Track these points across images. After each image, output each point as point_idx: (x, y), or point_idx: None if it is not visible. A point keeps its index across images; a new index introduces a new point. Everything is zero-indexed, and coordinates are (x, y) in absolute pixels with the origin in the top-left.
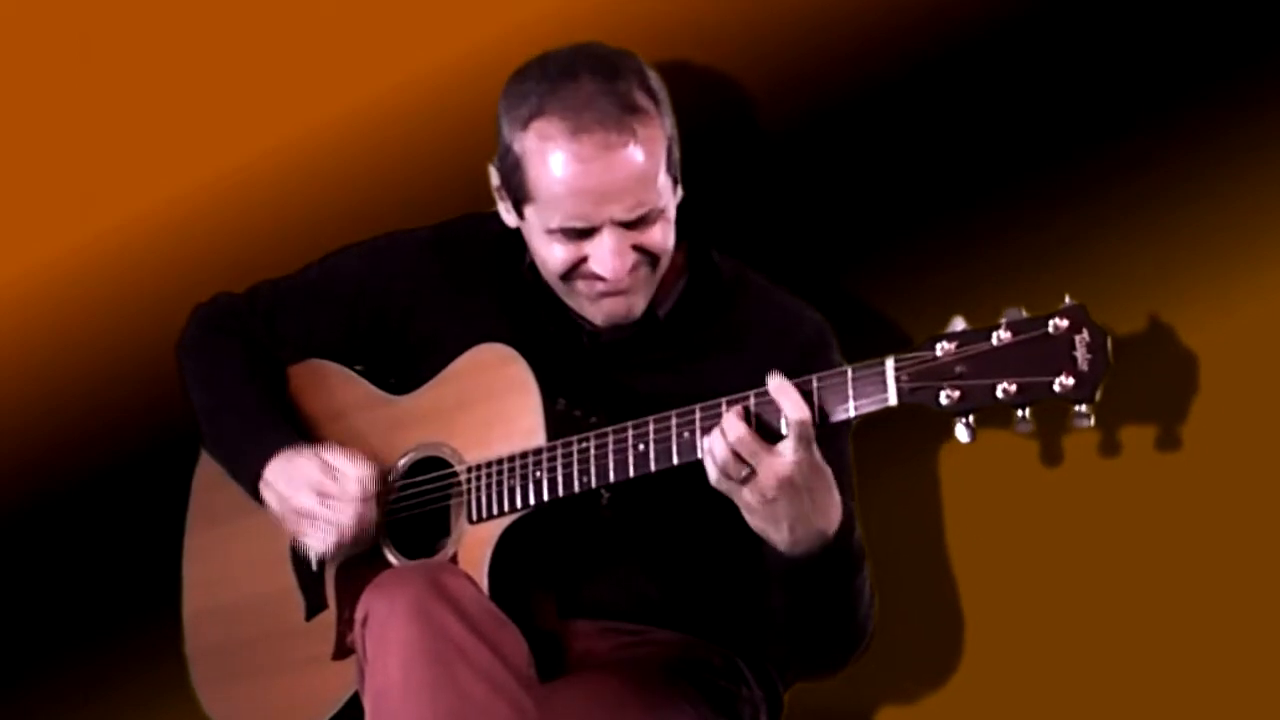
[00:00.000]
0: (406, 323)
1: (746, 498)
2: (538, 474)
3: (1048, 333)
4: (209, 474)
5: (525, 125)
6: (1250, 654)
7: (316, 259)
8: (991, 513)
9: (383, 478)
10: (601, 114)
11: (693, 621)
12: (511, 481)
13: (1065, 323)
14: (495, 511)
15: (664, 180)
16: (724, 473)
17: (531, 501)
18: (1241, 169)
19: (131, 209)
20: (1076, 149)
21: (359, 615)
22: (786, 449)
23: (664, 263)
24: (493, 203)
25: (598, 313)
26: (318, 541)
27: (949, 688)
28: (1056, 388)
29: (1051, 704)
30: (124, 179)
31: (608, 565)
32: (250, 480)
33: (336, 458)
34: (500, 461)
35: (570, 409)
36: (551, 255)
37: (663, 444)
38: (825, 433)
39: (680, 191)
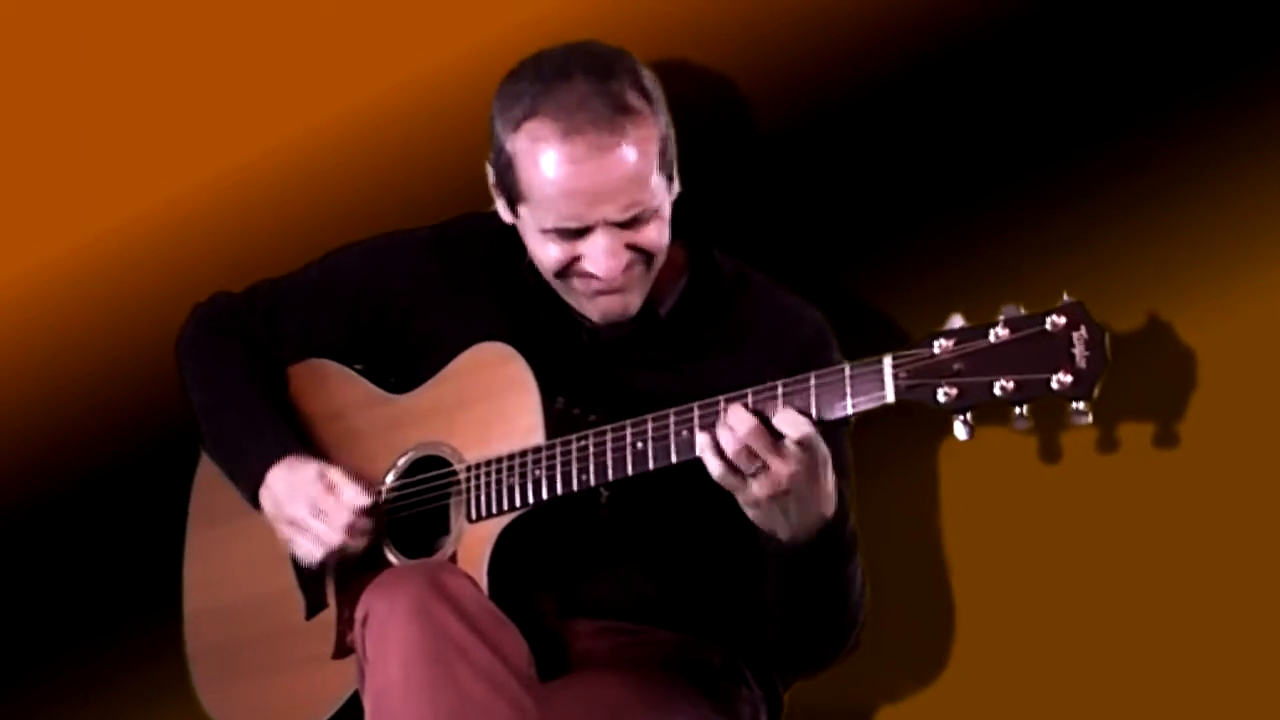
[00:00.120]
0: (406, 322)
1: (754, 493)
2: (537, 473)
3: (1045, 330)
4: (210, 473)
5: (518, 126)
6: (1248, 652)
7: (316, 258)
8: (990, 510)
9: (378, 497)
10: (593, 115)
11: (692, 621)
12: (511, 480)
13: (1063, 320)
14: (494, 510)
15: (658, 179)
16: (730, 468)
17: (530, 500)
18: (1241, 169)
19: (131, 209)
20: (1076, 149)
21: (359, 615)
22: (792, 453)
23: (659, 260)
24: (492, 201)
25: (594, 310)
26: (304, 552)
27: (948, 686)
28: (1054, 385)
29: (1051, 701)
30: (124, 179)
31: (607, 564)
32: (250, 484)
33: (338, 475)
34: (499, 460)
35: (569, 407)
36: (546, 254)
37: (661, 442)
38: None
39: (677, 188)
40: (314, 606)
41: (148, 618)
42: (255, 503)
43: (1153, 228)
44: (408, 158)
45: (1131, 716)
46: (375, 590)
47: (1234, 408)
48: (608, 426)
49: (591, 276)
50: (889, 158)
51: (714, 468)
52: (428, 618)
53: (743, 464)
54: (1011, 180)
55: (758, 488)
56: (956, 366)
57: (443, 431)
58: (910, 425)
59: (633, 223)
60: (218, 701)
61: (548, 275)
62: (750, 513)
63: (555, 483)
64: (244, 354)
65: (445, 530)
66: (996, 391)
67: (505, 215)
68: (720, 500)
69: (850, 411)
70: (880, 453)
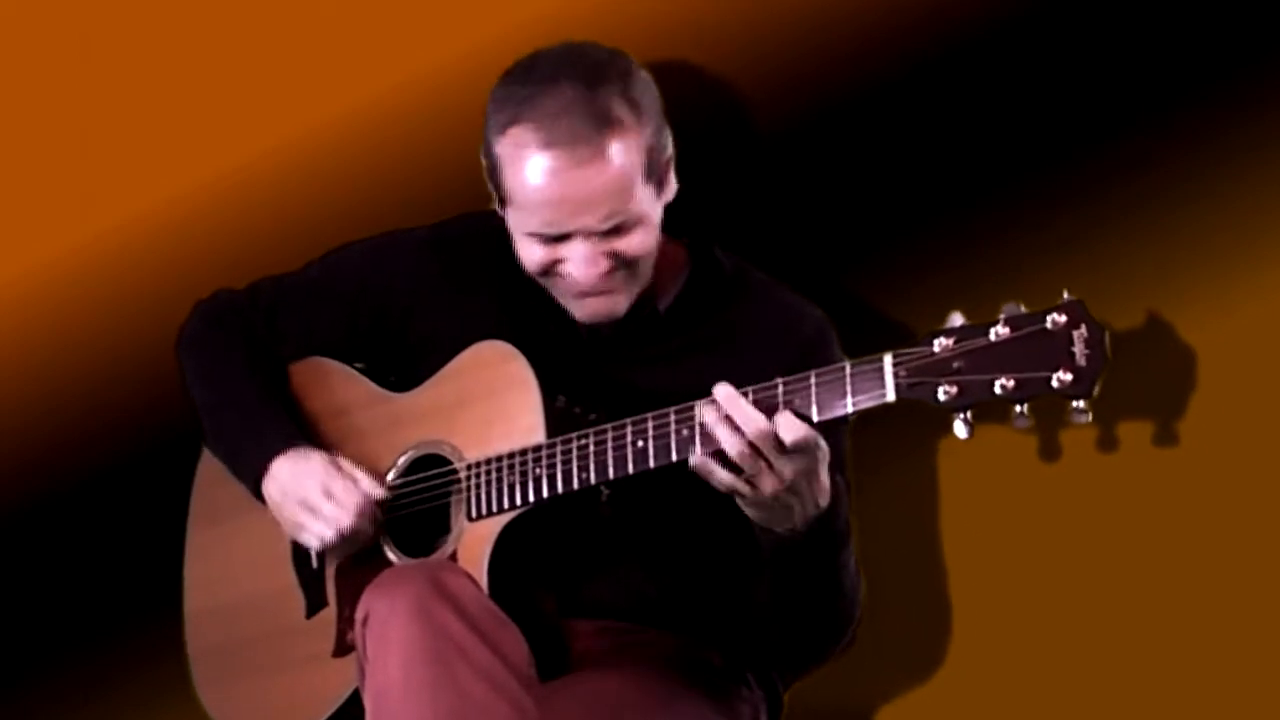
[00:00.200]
0: (406, 321)
1: (756, 493)
2: (537, 471)
3: (1046, 328)
4: (210, 472)
5: (503, 130)
6: (1247, 651)
7: (317, 257)
8: (990, 508)
9: (386, 490)
10: (575, 125)
11: (692, 621)
12: (511, 479)
13: (1063, 318)
14: (495, 509)
15: (643, 188)
16: (734, 473)
17: (531, 499)
18: (1241, 169)
19: (131, 209)
20: (1076, 149)
21: (359, 615)
22: (792, 455)
23: (644, 265)
24: (491, 199)
25: (579, 310)
26: (313, 536)
27: (948, 685)
28: (1054, 383)
29: (1051, 701)
30: (124, 179)
31: (607, 564)
32: (253, 475)
33: (347, 463)
34: (500, 459)
35: (570, 406)
36: (529, 255)
37: (662, 441)
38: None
39: (671, 192)
40: (314, 605)
41: (148, 618)
42: (258, 494)
43: (1153, 228)
44: (408, 158)
45: (1131, 716)
46: (375, 589)
47: (1234, 407)
48: (608, 425)
49: (573, 278)
50: (889, 157)
51: (723, 478)
52: (428, 617)
53: (746, 464)
54: (1011, 180)
55: (762, 487)
56: (957, 365)
57: (443, 430)
58: (910, 423)
59: (615, 231)
60: (218, 701)
61: (532, 274)
62: (749, 511)
63: (555, 481)
64: (246, 349)
65: (445, 529)
66: (997, 390)
67: (500, 209)
68: (720, 500)
69: (850, 410)
70: (880, 451)
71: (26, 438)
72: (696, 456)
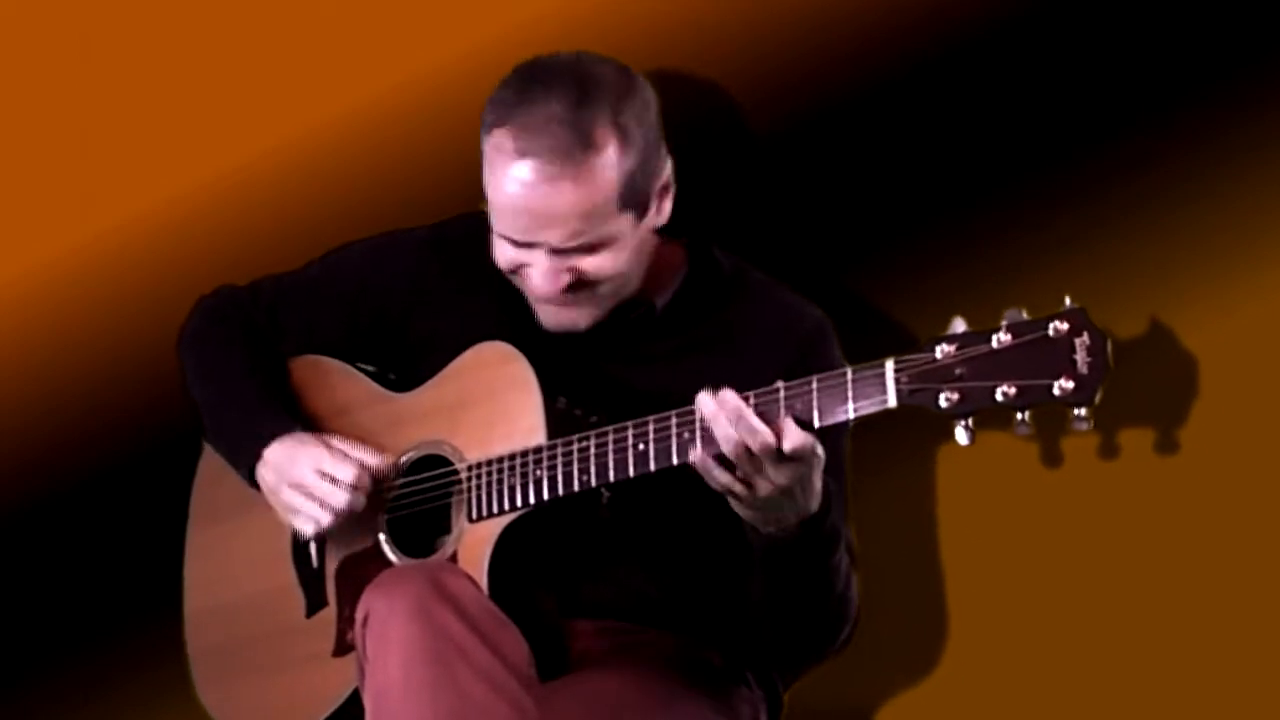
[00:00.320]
0: (407, 320)
1: (750, 494)
2: (538, 473)
3: (1048, 335)
4: (210, 471)
5: (489, 130)
6: (1248, 657)
7: (318, 256)
8: (990, 515)
9: (388, 469)
10: (552, 142)
11: (693, 621)
12: (511, 480)
13: (1065, 326)
14: (495, 510)
15: (616, 214)
16: (732, 475)
17: (531, 500)
18: (1241, 169)
19: (131, 209)
20: (1076, 149)
21: (359, 615)
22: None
23: (611, 287)
24: None
25: (543, 315)
26: (307, 519)
27: (948, 688)
28: (1056, 391)
29: (1051, 705)
30: (124, 179)
31: (607, 565)
32: (248, 463)
33: (344, 443)
34: (500, 460)
35: (571, 408)
36: (500, 253)
37: (662, 444)
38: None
39: (662, 216)
40: (314, 604)
41: (148, 618)
42: (253, 480)
43: (1153, 228)
44: (408, 158)
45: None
46: (375, 590)
47: (1235, 414)
48: (609, 428)
49: (534, 286)
50: (890, 158)
51: (721, 478)
52: (428, 618)
53: (742, 464)
54: (1012, 181)
55: (755, 489)
56: (958, 371)
57: (444, 430)
58: (911, 429)
59: (580, 249)
60: (218, 701)
61: (504, 271)
62: (740, 510)
63: (556, 483)
64: (246, 346)
65: (446, 529)
66: (998, 397)
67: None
68: (719, 501)
69: (851, 415)
70: (881, 456)
71: (26, 438)
72: (697, 454)
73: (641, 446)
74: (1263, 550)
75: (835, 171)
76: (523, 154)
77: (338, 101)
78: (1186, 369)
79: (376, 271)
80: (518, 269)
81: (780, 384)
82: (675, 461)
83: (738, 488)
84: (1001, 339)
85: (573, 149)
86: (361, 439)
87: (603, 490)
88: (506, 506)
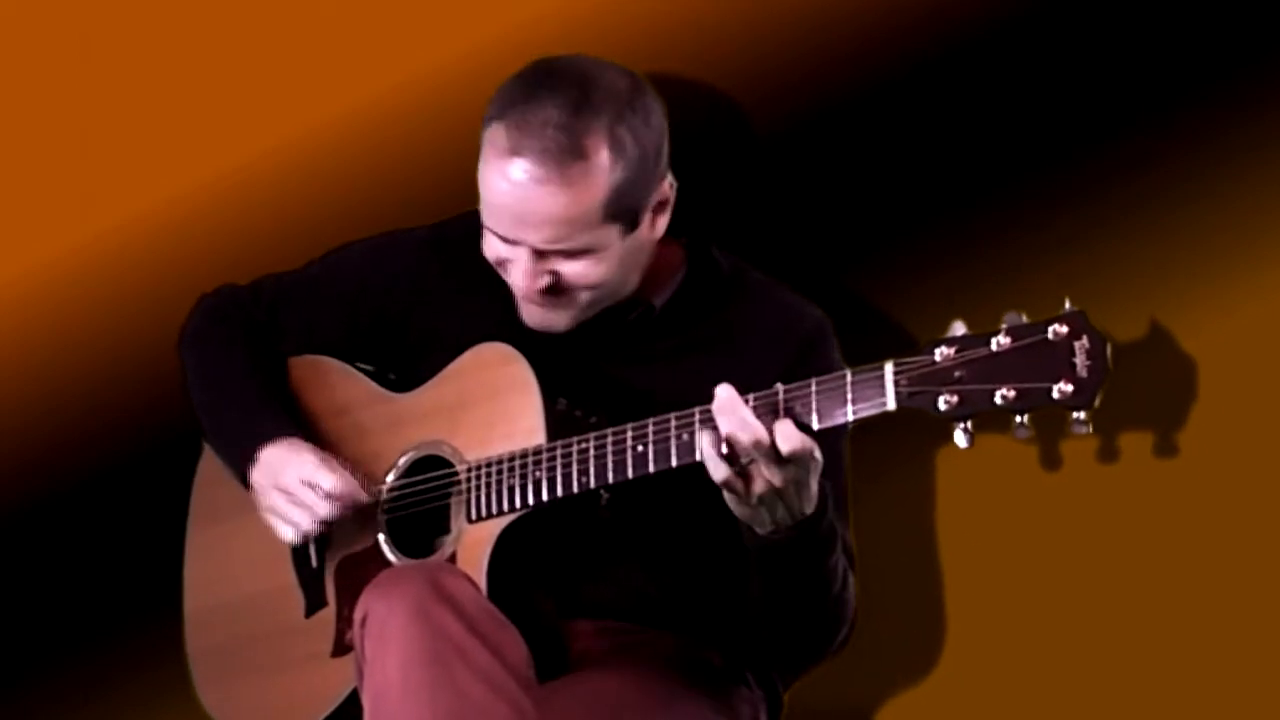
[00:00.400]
0: (406, 320)
1: (753, 489)
2: (537, 474)
3: (1047, 339)
4: (210, 471)
5: (488, 123)
6: (1247, 660)
7: (318, 256)
8: (989, 518)
9: (376, 496)
10: (543, 146)
11: (693, 621)
12: (511, 481)
13: (1065, 329)
14: (494, 511)
15: (601, 225)
16: (734, 471)
17: (530, 501)
18: (1241, 169)
19: (131, 209)
20: (1076, 149)
21: (358, 615)
22: (789, 462)
23: (591, 294)
24: None
25: (524, 313)
26: (287, 525)
27: (947, 689)
28: (1055, 394)
29: (1050, 706)
30: (124, 179)
31: (607, 565)
32: (242, 462)
33: (337, 462)
34: (500, 461)
35: (571, 409)
36: (486, 245)
37: (661, 445)
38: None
39: (656, 230)
40: (313, 605)
41: (148, 618)
42: (245, 479)
43: (1153, 228)
44: (408, 158)
45: None
46: (374, 590)
47: (1235, 417)
48: (608, 429)
49: (513, 283)
50: (889, 158)
51: (718, 471)
52: (427, 618)
53: (741, 454)
54: (1012, 181)
55: (752, 486)
56: (958, 374)
57: (444, 431)
58: (910, 432)
59: (562, 253)
60: (218, 701)
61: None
62: (735, 508)
63: (555, 484)
64: (247, 345)
65: (445, 530)
66: (997, 400)
67: None
68: (719, 501)
69: (850, 418)
70: (880, 459)
71: (26, 438)
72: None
73: (641, 448)
74: (1262, 552)
75: (835, 172)
76: (514, 152)
77: (338, 101)
78: (1186, 372)
79: (376, 271)
80: (502, 264)
81: (779, 386)
82: (674, 463)
83: (736, 484)
84: (1001, 342)
85: (563, 154)
86: (361, 439)
87: (602, 491)
88: (506, 507)
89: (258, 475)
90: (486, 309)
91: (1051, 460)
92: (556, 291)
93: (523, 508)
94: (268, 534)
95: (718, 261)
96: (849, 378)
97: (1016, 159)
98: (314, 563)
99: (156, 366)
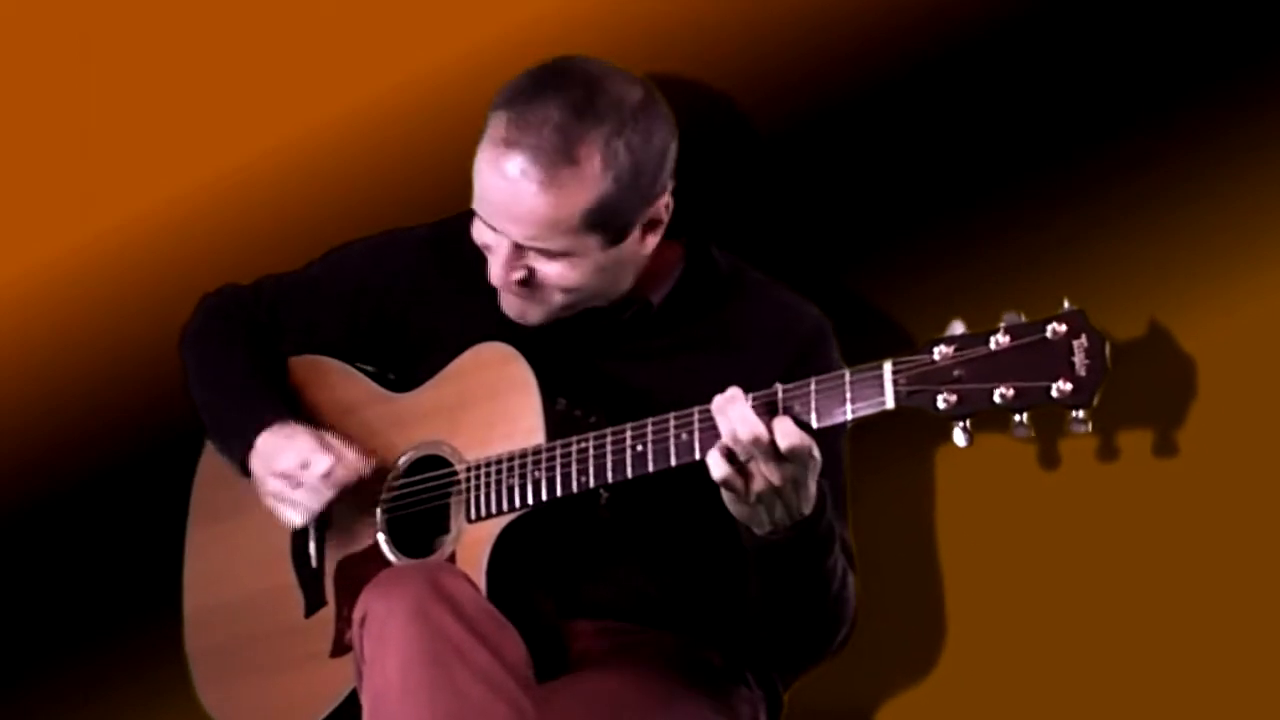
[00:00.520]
0: (406, 319)
1: (752, 486)
2: (536, 473)
3: (1046, 338)
4: (211, 470)
5: (493, 109)
6: (1246, 659)
7: (319, 256)
8: (988, 517)
9: (378, 475)
10: (537, 144)
11: (692, 621)
12: (510, 481)
13: (1064, 328)
14: (494, 510)
15: (581, 233)
16: (735, 469)
17: (530, 501)
18: (1241, 169)
19: (131, 209)
20: (1076, 149)
21: (357, 615)
22: (787, 460)
23: (565, 297)
24: None
25: (501, 300)
26: (291, 509)
27: (947, 689)
28: (1054, 393)
29: (1050, 706)
30: (124, 179)
31: (607, 565)
32: (242, 451)
33: (335, 440)
34: (499, 460)
35: (571, 409)
36: (474, 229)
37: (661, 445)
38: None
39: (646, 246)
40: (313, 604)
41: (148, 618)
42: (245, 469)
43: (1153, 228)
44: (408, 158)
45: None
46: (373, 590)
47: (1234, 415)
48: (608, 429)
49: (490, 270)
50: (889, 158)
51: (717, 469)
52: (426, 619)
53: (740, 452)
54: (1012, 181)
55: (750, 484)
56: (957, 373)
57: (444, 431)
58: (909, 431)
59: (539, 251)
60: (218, 700)
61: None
62: (733, 507)
63: (555, 484)
64: (248, 343)
65: (445, 530)
66: (996, 399)
67: None
68: (718, 502)
69: (849, 417)
70: (879, 458)
71: (26, 438)
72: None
73: (640, 447)
74: (1262, 551)
75: (835, 172)
76: (508, 144)
77: (338, 101)
78: (1185, 371)
79: (376, 270)
80: (486, 249)
81: (779, 386)
82: (674, 462)
83: (736, 482)
84: (1000, 341)
85: (555, 155)
86: (361, 439)
87: (601, 491)
88: (505, 507)
89: (256, 464)
90: (486, 308)
91: (1050, 459)
92: (531, 286)
93: (522, 507)
94: (268, 533)
95: (716, 260)
96: (848, 377)
97: (1016, 159)
98: (314, 562)
99: (156, 366)
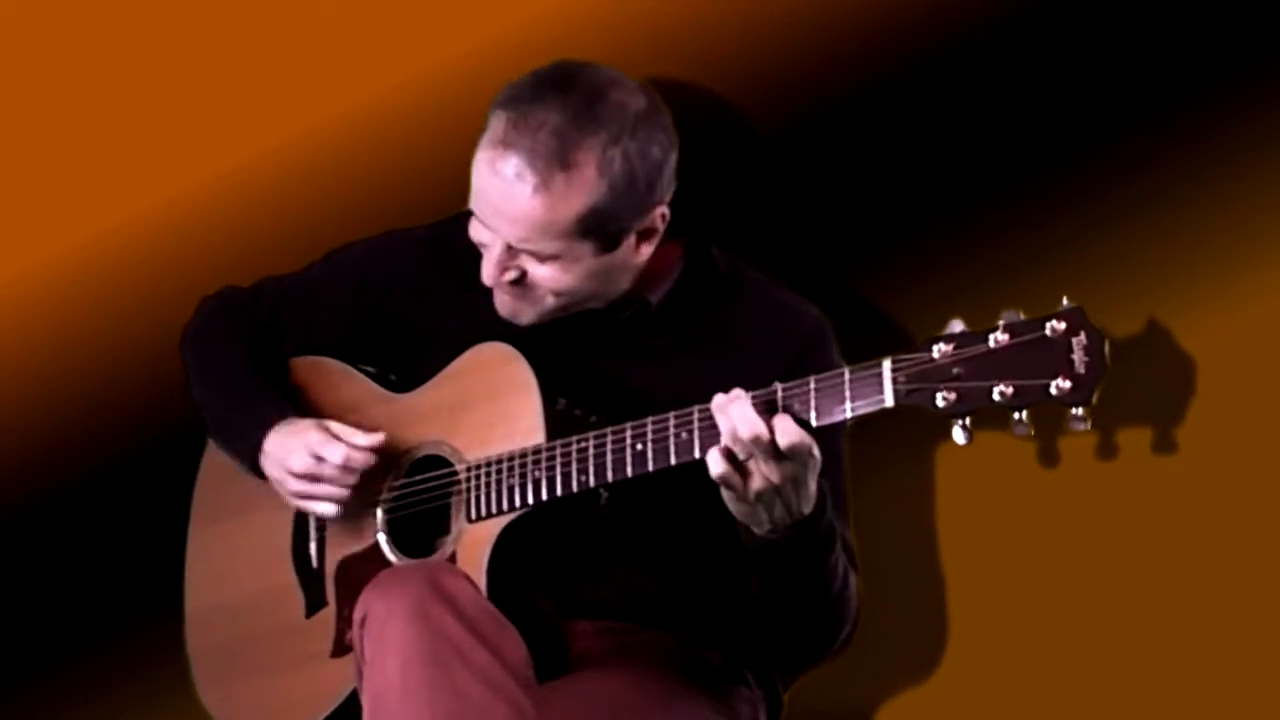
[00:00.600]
0: (406, 320)
1: (751, 485)
2: (536, 473)
3: (1045, 335)
4: (213, 470)
5: (494, 109)
6: (1247, 657)
7: (319, 256)
8: (988, 515)
9: (378, 475)
10: (533, 147)
11: (692, 621)
12: (511, 480)
13: (1063, 325)
14: (494, 510)
15: (572, 238)
16: (732, 466)
17: (530, 500)
18: (1241, 169)
19: (131, 209)
20: (1076, 149)
21: (357, 615)
22: (787, 458)
23: (558, 300)
24: None
25: (495, 299)
26: (320, 504)
27: (947, 688)
28: (1053, 391)
29: (1050, 705)
30: (124, 179)
31: (607, 565)
32: (251, 454)
33: (339, 426)
34: (500, 460)
35: (570, 409)
36: (471, 226)
37: (661, 444)
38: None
39: (639, 255)
40: (314, 604)
41: (148, 618)
42: (257, 471)
43: (1153, 228)
44: (408, 158)
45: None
46: (374, 590)
47: (1233, 413)
48: (608, 428)
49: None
50: (889, 158)
51: (715, 465)
52: (426, 619)
53: (740, 452)
54: (1011, 181)
55: (749, 482)
56: (956, 371)
57: (444, 431)
58: (909, 429)
59: (531, 254)
60: (218, 700)
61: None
62: (733, 506)
63: (555, 483)
64: (249, 344)
65: (445, 530)
66: (995, 397)
67: None
68: (719, 501)
69: (849, 415)
70: (878, 456)
71: (26, 438)
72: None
73: (640, 447)
74: (1261, 550)
75: (834, 172)
76: (505, 145)
77: (338, 101)
78: (1184, 369)
79: (376, 271)
80: (481, 246)
81: (778, 385)
82: (673, 462)
83: (735, 480)
84: (999, 339)
85: (550, 159)
86: None
87: (601, 490)
88: (505, 507)
89: (270, 468)
90: (486, 308)
91: (1050, 457)
92: (522, 286)
93: (522, 507)
94: (268, 533)
95: (715, 260)
96: (847, 375)
97: (1016, 159)
98: (314, 563)
99: (157, 366)
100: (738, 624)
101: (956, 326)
